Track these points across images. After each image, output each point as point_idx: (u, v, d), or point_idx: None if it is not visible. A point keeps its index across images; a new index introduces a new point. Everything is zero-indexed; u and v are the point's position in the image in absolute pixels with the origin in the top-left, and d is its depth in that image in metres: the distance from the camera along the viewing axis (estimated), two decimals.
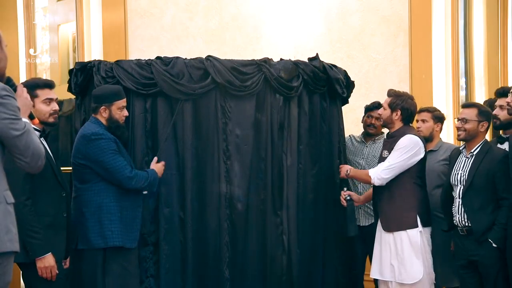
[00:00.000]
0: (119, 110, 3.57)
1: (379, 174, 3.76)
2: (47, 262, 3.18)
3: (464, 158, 3.76)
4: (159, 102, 4.00)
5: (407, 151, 3.73)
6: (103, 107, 3.53)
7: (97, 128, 3.48)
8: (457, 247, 3.78)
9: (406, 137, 3.76)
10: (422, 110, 4.30)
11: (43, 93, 3.33)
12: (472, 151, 3.72)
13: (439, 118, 4.28)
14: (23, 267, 3.27)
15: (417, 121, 4.26)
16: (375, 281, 4.33)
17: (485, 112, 3.75)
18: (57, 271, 3.22)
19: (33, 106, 3.23)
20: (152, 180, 3.61)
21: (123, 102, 3.60)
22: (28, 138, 2.36)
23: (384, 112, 3.91)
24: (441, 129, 4.32)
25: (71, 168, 3.61)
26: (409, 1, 5.45)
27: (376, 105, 4.44)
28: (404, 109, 3.84)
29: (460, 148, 3.86)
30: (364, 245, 4.43)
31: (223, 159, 4.00)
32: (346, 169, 4.03)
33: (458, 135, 3.82)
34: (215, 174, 3.98)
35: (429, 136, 4.22)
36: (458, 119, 3.80)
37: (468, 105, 3.91)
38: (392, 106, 3.86)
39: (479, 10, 5.33)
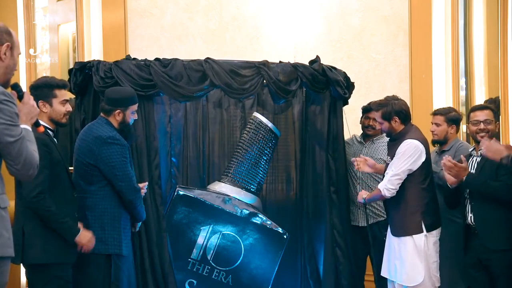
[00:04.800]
0: (132, 114, 3.58)
1: (386, 185, 3.76)
2: (84, 237, 3.23)
3: (475, 158, 3.79)
4: (159, 102, 4.01)
5: (408, 157, 3.73)
6: (118, 110, 3.52)
7: (113, 131, 3.48)
8: (469, 246, 3.77)
9: (406, 143, 3.76)
10: (435, 113, 4.28)
11: (61, 94, 3.35)
12: (481, 148, 3.73)
13: (453, 120, 4.22)
14: (34, 268, 3.21)
15: (432, 123, 4.25)
16: (375, 281, 4.35)
17: (495, 112, 3.82)
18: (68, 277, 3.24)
19: (51, 106, 3.26)
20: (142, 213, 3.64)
21: (136, 106, 3.62)
22: (22, 146, 2.34)
23: (383, 125, 3.91)
24: (456, 130, 4.26)
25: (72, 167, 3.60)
26: (409, 1, 5.44)
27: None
28: (398, 112, 3.84)
29: (470, 150, 3.88)
30: (364, 246, 4.43)
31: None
32: (362, 196, 4.00)
33: (481, 137, 3.76)
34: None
35: (444, 139, 4.21)
36: (480, 122, 3.79)
37: (483, 107, 3.92)
38: (387, 117, 3.86)
39: (479, 10, 5.31)
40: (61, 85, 3.37)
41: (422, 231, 3.74)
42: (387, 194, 3.76)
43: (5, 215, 2.39)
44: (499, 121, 3.82)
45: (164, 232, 3.98)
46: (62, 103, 3.35)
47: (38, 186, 3.09)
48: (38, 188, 3.09)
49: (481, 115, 3.81)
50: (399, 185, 3.76)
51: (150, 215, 3.92)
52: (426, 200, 3.79)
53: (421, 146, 3.78)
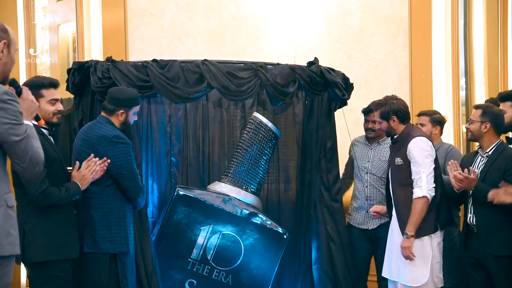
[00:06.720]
0: (134, 115, 3.58)
1: (427, 187, 3.65)
2: (78, 178, 3.26)
3: (480, 157, 3.79)
4: (155, 103, 4.01)
5: (428, 153, 3.71)
6: (121, 110, 3.51)
7: (116, 130, 3.47)
8: (468, 245, 3.78)
9: (416, 141, 3.73)
10: (420, 114, 4.37)
11: (49, 93, 3.32)
12: (487, 151, 3.74)
13: (437, 121, 4.34)
14: (33, 267, 3.20)
15: (417, 124, 4.27)
16: (378, 281, 4.35)
17: (489, 113, 3.74)
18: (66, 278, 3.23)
19: (39, 106, 3.22)
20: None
21: (138, 107, 3.62)
22: (28, 144, 2.36)
23: (382, 125, 3.90)
24: (440, 131, 4.37)
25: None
26: (409, 1, 5.44)
27: (370, 108, 4.40)
28: (396, 111, 3.83)
29: (476, 148, 3.90)
30: (370, 246, 4.43)
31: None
32: (405, 238, 3.72)
33: (466, 135, 3.90)
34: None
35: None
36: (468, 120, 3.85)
37: (475, 106, 3.94)
38: (385, 116, 3.85)
39: (479, 10, 5.32)
40: (47, 84, 3.34)
41: (437, 230, 3.72)
42: (432, 193, 3.67)
43: (12, 214, 2.41)
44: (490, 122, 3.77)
45: (147, 231, 3.96)
46: (51, 102, 3.32)
47: (43, 183, 3.09)
48: (43, 185, 3.09)
49: (472, 114, 3.87)
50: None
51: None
52: (438, 198, 3.75)
53: (430, 142, 3.79)
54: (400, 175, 3.81)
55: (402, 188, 3.79)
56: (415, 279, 3.71)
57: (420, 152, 3.71)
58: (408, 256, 3.65)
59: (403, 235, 3.74)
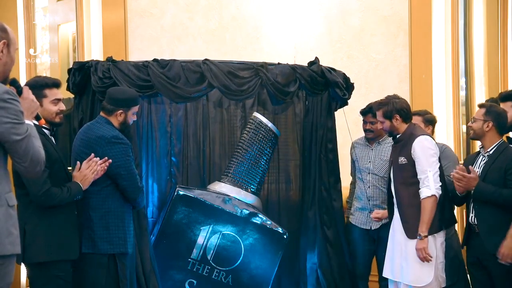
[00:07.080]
0: (133, 115, 3.58)
1: (435, 186, 3.64)
2: (79, 178, 3.27)
3: (481, 157, 3.79)
4: (155, 103, 4.01)
5: (433, 152, 3.71)
6: (120, 110, 3.51)
7: (115, 130, 3.46)
8: (469, 245, 3.78)
9: (421, 140, 3.72)
10: (413, 114, 4.33)
11: (52, 93, 3.33)
12: (488, 150, 3.74)
13: (429, 121, 4.35)
14: (34, 267, 3.20)
15: None
16: (379, 281, 4.35)
17: (492, 112, 3.73)
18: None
19: (41, 105, 3.21)
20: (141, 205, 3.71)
21: (138, 107, 3.62)
22: (29, 144, 2.37)
23: (384, 124, 3.89)
24: (432, 131, 4.38)
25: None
26: (409, 1, 5.45)
27: (367, 109, 4.41)
28: (399, 110, 3.82)
29: (478, 148, 3.90)
30: (372, 246, 4.43)
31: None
32: (419, 239, 3.66)
33: (467, 134, 3.92)
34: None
35: None
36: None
37: (479, 105, 3.93)
38: (387, 115, 3.84)
39: (479, 10, 5.33)
40: (50, 84, 3.35)
41: (441, 229, 3.72)
42: (440, 192, 3.66)
43: (13, 213, 2.41)
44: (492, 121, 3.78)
45: (146, 231, 3.95)
46: (54, 102, 3.33)
47: (45, 183, 3.09)
48: (45, 186, 3.09)
49: (475, 113, 3.86)
50: None
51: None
52: (442, 198, 3.73)
53: (434, 141, 3.80)
54: (404, 174, 3.79)
55: (406, 188, 3.78)
56: (419, 279, 3.68)
57: (425, 151, 3.70)
58: (425, 257, 3.62)
59: (406, 234, 3.73)
